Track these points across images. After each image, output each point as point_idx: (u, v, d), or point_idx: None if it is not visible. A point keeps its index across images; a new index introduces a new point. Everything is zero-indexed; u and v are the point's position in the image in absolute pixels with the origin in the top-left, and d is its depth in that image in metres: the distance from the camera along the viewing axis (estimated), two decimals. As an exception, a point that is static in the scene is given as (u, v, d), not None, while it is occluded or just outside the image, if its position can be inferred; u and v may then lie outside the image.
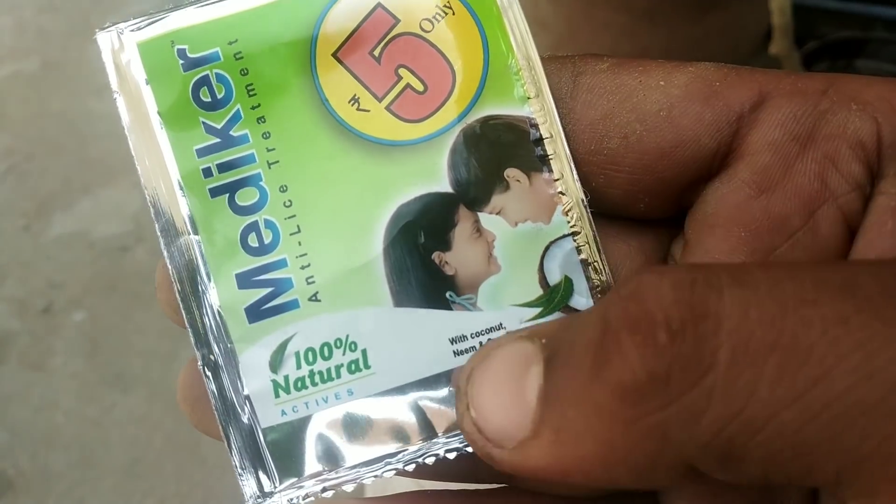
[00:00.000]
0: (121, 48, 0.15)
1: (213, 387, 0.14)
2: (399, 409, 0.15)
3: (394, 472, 0.14)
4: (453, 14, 0.15)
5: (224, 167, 0.14)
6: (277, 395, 0.14)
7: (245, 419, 0.14)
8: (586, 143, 0.16)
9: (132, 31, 0.15)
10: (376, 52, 0.15)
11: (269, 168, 0.14)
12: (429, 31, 0.15)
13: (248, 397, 0.14)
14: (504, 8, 0.15)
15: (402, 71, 0.15)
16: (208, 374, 0.14)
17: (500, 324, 0.15)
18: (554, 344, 0.12)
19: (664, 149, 0.15)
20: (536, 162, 0.15)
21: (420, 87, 0.15)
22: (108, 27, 0.15)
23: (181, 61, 0.14)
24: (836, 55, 0.56)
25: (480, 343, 0.15)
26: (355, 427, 0.14)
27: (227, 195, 0.14)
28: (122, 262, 0.55)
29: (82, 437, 0.47)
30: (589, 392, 0.11)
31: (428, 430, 0.14)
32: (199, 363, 0.14)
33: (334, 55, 0.14)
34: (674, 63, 0.16)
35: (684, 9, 0.46)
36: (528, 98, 0.15)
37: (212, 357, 0.14)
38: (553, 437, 0.12)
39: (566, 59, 0.16)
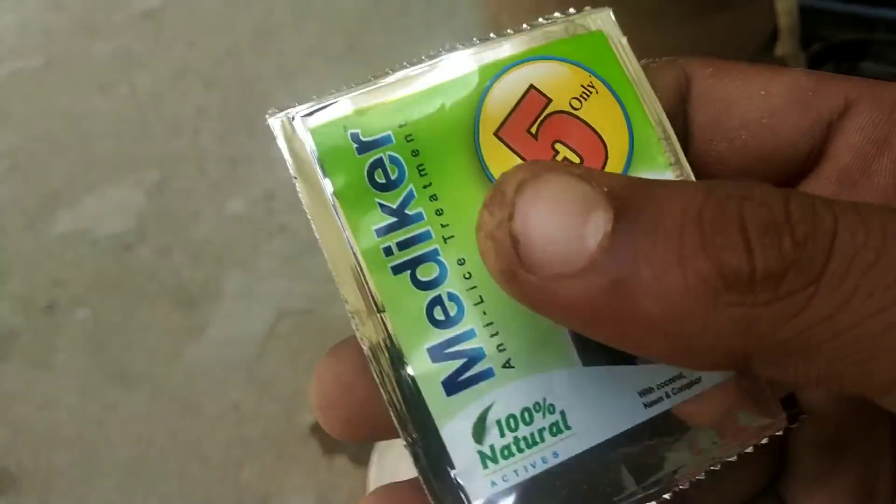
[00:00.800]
0: (293, 133, 0.15)
1: (420, 466, 0.14)
2: (603, 466, 0.15)
3: None
4: (597, 93, 0.16)
5: (403, 245, 0.15)
6: (486, 467, 0.14)
7: (455, 494, 0.14)
8: (697, 144, 0.17)
9: (304, 116, 0.15)
10: (533, 130, 0.16)
11: (445, 243, 0.15)
12: (578, 109, 0.16)
13: (456, 474, 0.14)
14: (636, 84, 0.16)
15: (558, 146, 0.16)
16: (416, 452, 0.14)
17: (681, 373, 0.15)
18: (625, 199, 0.12)
19: (765, 152, 0.17)
20: None
21: (576, 160, 0.15)
22: (276, 113, 0.15)
23: (355, 145, 0.15)
24: (841, 57, 0.56)
25: (667, 393, 0.15)
26: (565, 488, 0.15)
27: (409, 272, 0.15)
28: (125, 261, 0.55)
29: (85, 435, 0.47)
30: (684, 262, 0.11)
31: (627, 482, 0.15)
32: (404, 444, 0.14)
33: (496, 134, 0.15)
34: (771, 70, 0.17)
35: (690, 10, 0.46)
36: (671, 164, 0.16)
37: (414, 436, 0.14)
38: (607, 285, 0.11)
39: (673, 63, 0.17)
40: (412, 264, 0.15)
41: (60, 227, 0.58)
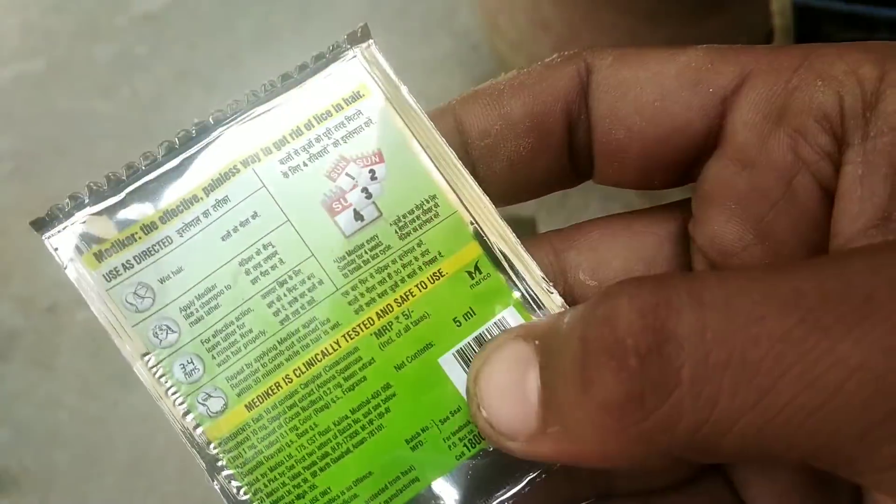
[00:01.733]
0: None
1: None
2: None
3: None
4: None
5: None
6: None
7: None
8: (598, 135, 0.17)
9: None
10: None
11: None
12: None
13: None
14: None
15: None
16: None
17: None
18: (546, 349, 0.14)
19: (661, 136, 0.17)
20: None
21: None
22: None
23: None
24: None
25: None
26: None
27: None
28: (126, 262, 0.55)
29: (86, 435, 0.47)
30: (580, 405, 0.13)
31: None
32: None
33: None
34: (670, 51, 0.17)
35: (686, 11, 0.46)
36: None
37: None
38: (557, 434, 0.13)
39: (577, 56, 0.17)
40: None
41: (62, 228, 0.58)
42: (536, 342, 0.14)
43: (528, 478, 0.15)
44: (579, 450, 0.13)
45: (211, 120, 0.15)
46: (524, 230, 0.59)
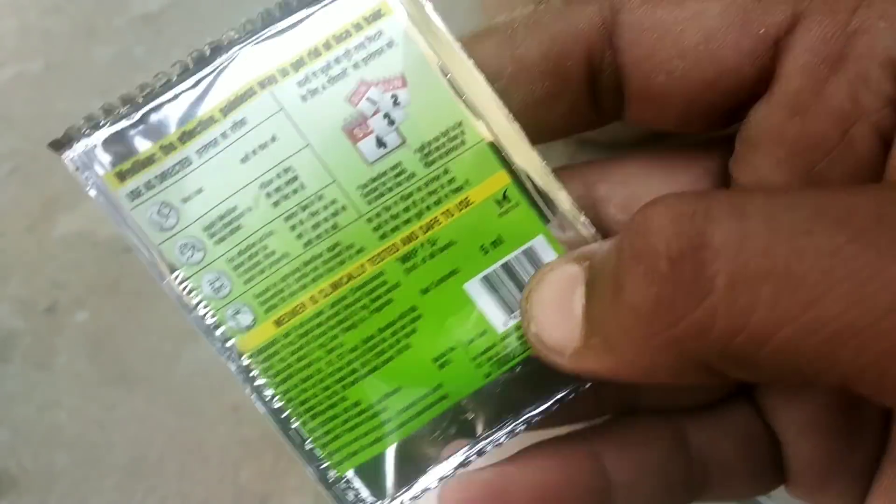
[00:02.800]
0: None
1: None
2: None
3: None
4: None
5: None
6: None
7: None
8: (633, 81, 0.16)
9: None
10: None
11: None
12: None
13: None
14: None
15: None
16: None
17: None
18: (592, 267, 0.14)
19: (707, 81, 0.16)
20: None
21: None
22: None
23: None
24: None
25: None
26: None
27: None
28: (125, 263, 0.55)
29: (85, 436, 0.47)
30: (613, 313, 0.13)
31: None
32: None
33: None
34: None
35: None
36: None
37: None
38: (598, 347, 0.13)
39: None
40: None
41: (61, 229, 0.58)
42: (586, 263, 0.14)
43: (558, 396, 0.15)
44: (617, 362, 0.13)
45: (224, 40, 0.15)
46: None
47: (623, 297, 0.13)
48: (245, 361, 0.16)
